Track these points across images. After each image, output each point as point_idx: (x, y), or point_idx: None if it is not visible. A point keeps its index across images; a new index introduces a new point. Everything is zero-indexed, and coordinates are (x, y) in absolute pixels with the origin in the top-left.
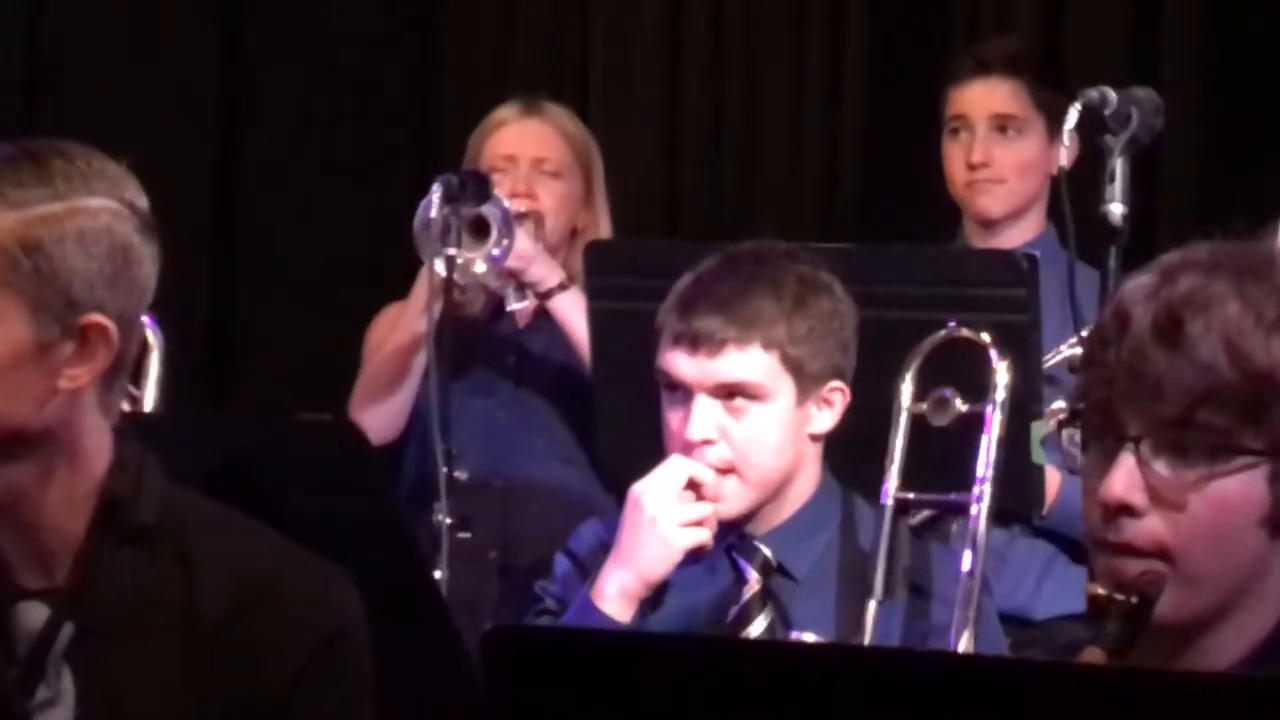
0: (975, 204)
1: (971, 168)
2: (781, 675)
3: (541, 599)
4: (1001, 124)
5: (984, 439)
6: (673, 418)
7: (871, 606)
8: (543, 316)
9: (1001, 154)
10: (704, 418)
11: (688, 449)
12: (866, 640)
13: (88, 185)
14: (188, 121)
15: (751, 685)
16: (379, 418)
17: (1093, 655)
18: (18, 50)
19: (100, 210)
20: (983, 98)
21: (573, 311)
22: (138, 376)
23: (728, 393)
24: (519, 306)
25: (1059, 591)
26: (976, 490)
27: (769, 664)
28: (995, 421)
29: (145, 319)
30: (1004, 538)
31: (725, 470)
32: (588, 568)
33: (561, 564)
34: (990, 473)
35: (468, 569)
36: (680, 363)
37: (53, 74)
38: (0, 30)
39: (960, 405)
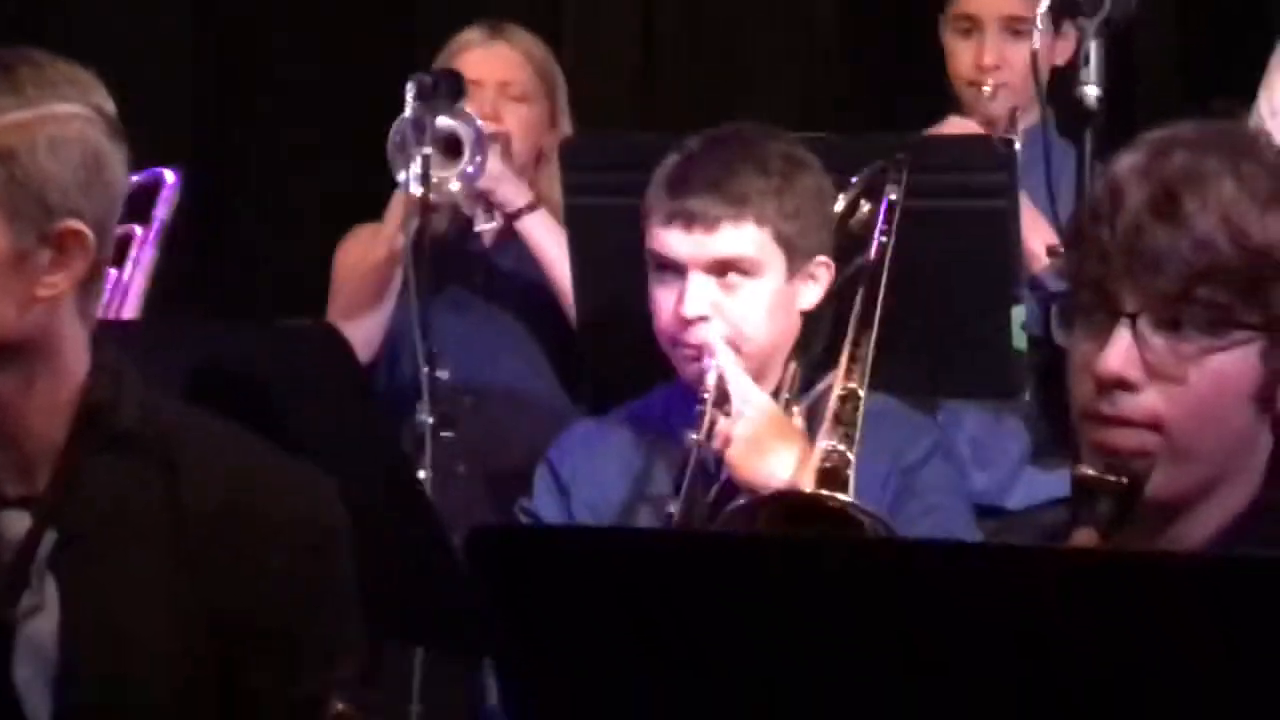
0: (981, 102)
1: (981, 69)
2: (770, 568)
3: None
4: (1012, 25)
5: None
6: (664, 297)
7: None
8: (510, 236)
9: (1013, 55)
10: (699, 294)
11: (682, 326)
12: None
13: (57, 91)
14: (170, 28)
15: (737, 579)
16: (356, 335)
17: (1085, 536)
18: None
19: (71, 116)
20: (994, 1)
21: (540, 232)
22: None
23: (722, 269)
24: (487, 227)
25: (1033, 482)
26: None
27: (754, 557)
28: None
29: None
30: (988, 421)
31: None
32: (565, 483)
33: (542, 477)
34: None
35: (447, 477)
36: (675, 240)
37: None
38: None
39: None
